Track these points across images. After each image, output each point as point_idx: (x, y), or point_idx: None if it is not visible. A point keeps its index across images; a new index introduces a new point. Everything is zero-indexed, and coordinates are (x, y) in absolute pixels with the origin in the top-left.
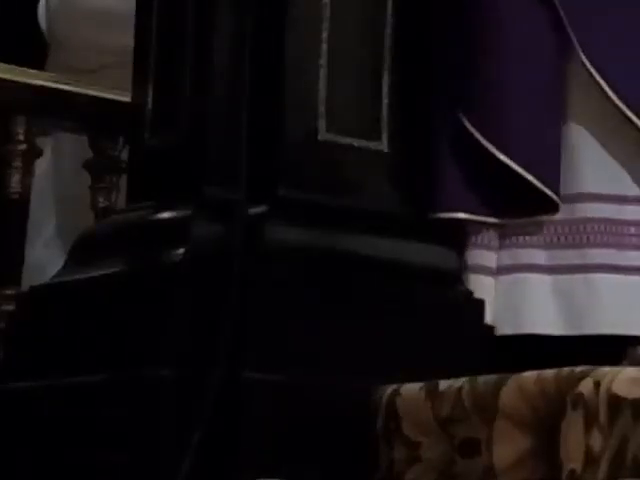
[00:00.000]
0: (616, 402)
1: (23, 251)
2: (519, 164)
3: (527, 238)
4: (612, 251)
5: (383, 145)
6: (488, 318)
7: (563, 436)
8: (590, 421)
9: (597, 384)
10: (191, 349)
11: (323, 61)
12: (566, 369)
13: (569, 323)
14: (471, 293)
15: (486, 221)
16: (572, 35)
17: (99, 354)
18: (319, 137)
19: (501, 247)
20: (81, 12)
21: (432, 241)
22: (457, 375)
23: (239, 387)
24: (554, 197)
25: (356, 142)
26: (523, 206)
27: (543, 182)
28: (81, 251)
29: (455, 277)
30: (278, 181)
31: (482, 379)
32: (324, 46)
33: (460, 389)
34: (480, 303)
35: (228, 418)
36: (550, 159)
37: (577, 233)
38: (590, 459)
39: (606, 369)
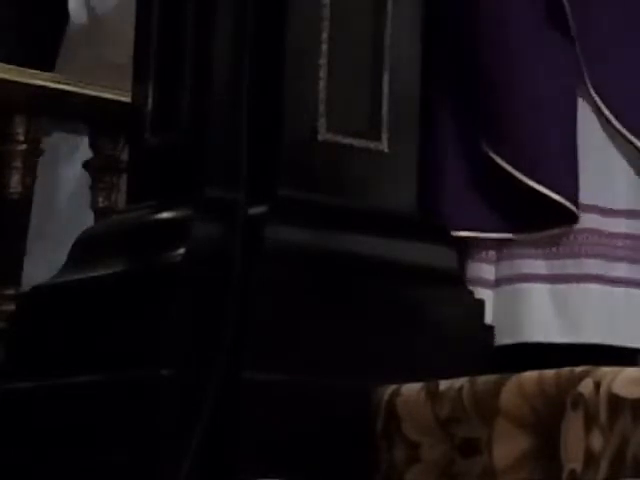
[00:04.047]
0: (616, 402)
1: (23, 251)
2: (543, 185)
3: (525, 248)
4: (601, 262)
5: (383, 145)
6: None
7: (563, 436)
8: (590, 421)
9: (597, 384)
10: (191, 349)
11: (323, 61)
12: (566, 369)
13: (566, 331)
14: (471, 293)
15: (498, 237)
16: (582, 61)
17: (99, 354)
18: (319, 137)
19: (499, 258)
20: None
21: (432, 241)
22: (457, 375)
23: (239, 387)
24: (575, 210)
25: (356, 142)
26: (537, 220)
27: (566, 197)
28: (81, 251)
29: (455, 277)
30: (278, 181)
31: (482, 379)
32: (324, 46)
33: (460, 389)
34: (480, 303)
35: (228, 418)
36: (569, 173)
37: (573, 244)
38: (590, 459)
39: (606, 369)
